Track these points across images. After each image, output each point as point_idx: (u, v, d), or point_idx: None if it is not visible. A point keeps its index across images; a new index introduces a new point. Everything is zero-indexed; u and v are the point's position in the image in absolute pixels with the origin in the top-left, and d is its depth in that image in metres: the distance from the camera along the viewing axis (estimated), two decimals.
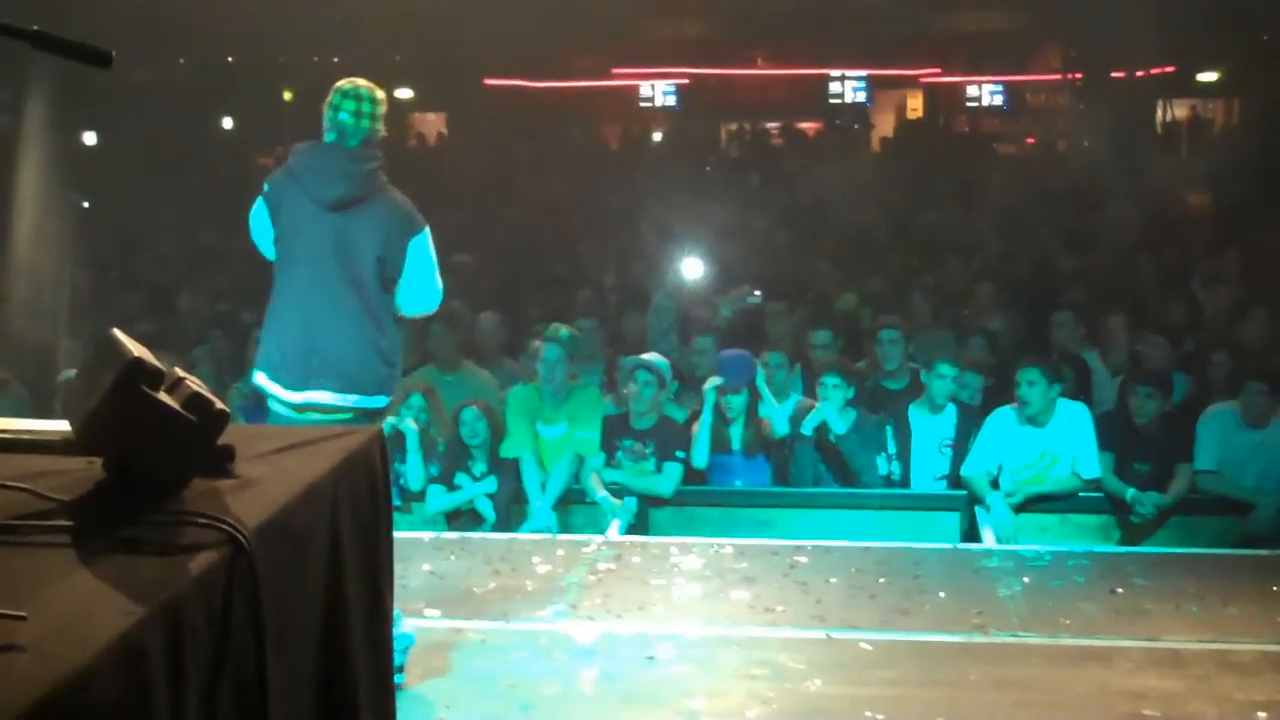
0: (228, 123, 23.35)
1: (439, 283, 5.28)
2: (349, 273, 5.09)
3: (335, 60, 21.84)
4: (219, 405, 2.13)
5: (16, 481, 2.07)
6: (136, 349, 2.10)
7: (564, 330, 7.89)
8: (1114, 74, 21.70)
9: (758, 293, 9.88)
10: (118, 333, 2.20)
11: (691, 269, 10.99)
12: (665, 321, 9.41)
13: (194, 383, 2.16)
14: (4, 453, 2.16)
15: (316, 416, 5.05)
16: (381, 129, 5.18)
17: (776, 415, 7.69)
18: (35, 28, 2.11)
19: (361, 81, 5.17)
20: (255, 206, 5.22)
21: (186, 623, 1.73)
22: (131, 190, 15.68)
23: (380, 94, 5.17)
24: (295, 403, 5.12)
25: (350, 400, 5.08)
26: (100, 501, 2.05)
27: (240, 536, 1.89)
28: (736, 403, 7.66)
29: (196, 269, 12.83)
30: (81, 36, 2.17)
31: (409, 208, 5.21)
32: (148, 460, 2.08)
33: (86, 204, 14.27)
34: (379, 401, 5.16)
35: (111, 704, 1.55)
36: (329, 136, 5.14)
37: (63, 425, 2.22)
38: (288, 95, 22.97)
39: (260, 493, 2.12)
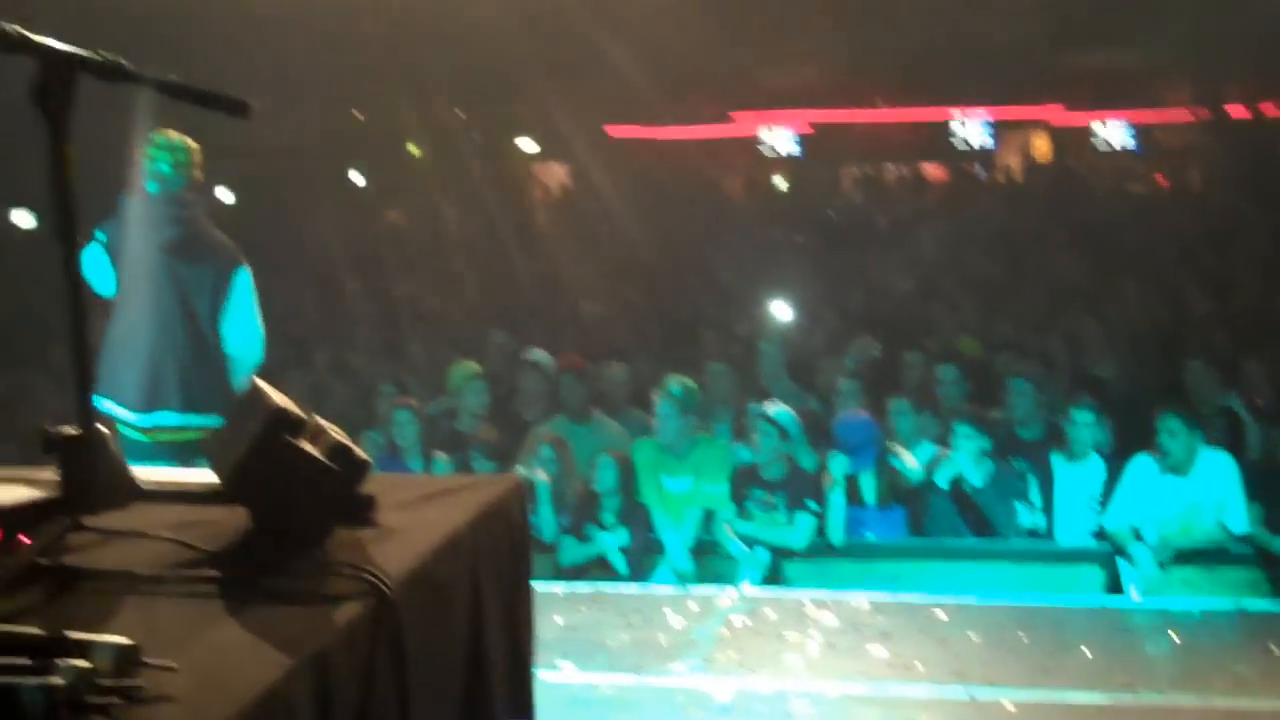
0: (357, 178, 23.74)
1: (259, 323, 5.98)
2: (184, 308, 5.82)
3: (460, 114, 22.18)
4: (361, 455, 2.12)
5: (166, 532, 2.07)
6: (280, 399, 2.10)
7: (675, 386, 7.84)
8: (1246, 110, 21.17)
9: (868, 338, 9.86)
10: (261, 382, 2.20)
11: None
12: (772, 366, 9.38)
13: (336, 432, 2.15)
14: (153, 503, 2.15)
15: (165, 438, 5.71)
16: (198, 175, 5.90)
17: (908, 467, 7.59)
18: (173, 78, 2.13)
19: (174, 134, 5.83)
20: (90, 252, 5.73)
21: (333, 674, 1.71)
22: (264, 246, 15.98)
23: (192, 144, 5.85)
24: (141, 424, 5.75)
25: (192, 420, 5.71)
26: (247, 552, 2.04)
27: (384, 587, 1.87)
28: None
29: (329, 322, 13.02)
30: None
31: (230, 246, 5.95)
32: (293, 510, 2.07)
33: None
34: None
35: None
36: (152, 187, 5.80)
37: (209, 476, 2.21)
38: (414, 150, 23.31)
39: (402, 543, 2.10)
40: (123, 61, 2.10)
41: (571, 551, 7.62)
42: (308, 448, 2.07)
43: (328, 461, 2.08)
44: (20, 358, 11.37)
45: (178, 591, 1.91)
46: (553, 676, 5.76)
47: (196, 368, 5.81)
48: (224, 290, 5.81)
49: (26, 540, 1.95)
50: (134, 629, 1.64)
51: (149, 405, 5.75)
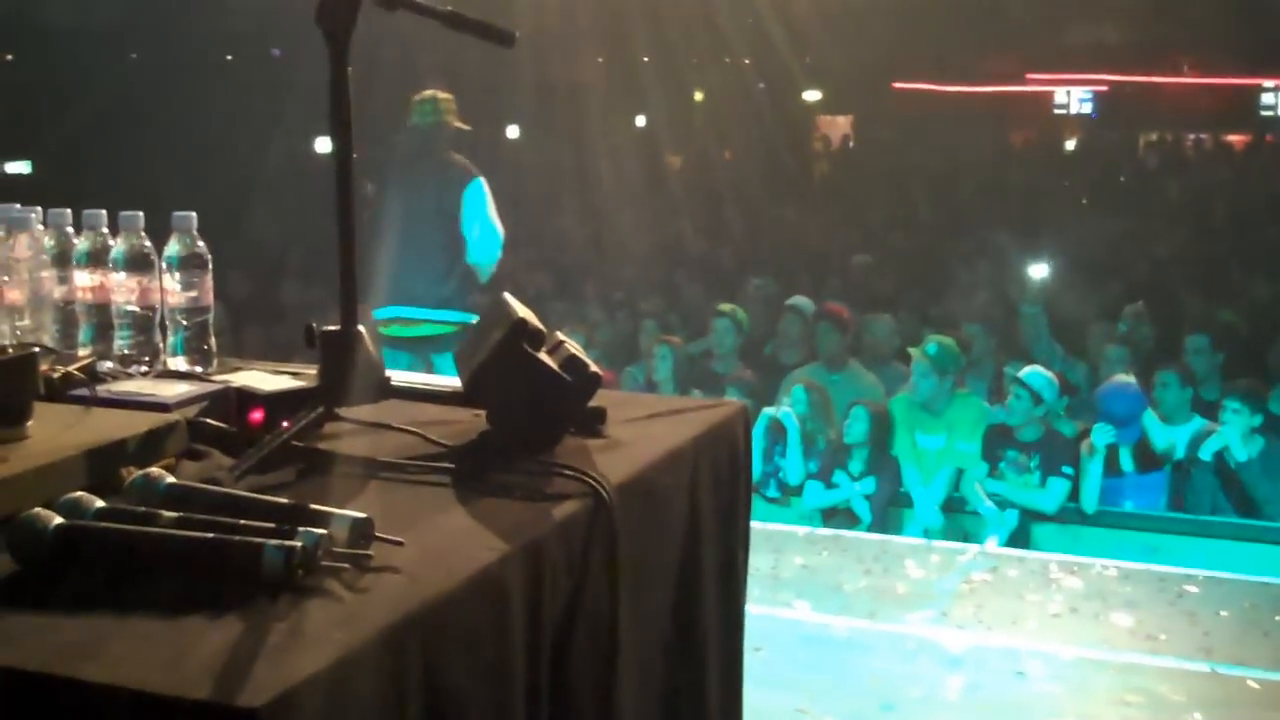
0: (640, 120, 24.07)
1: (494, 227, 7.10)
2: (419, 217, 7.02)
3: (746, 62, 22.23)
4: (593, 368, 2.24)
5: (410, 426, 2.24)
6: (522, 310, 2.23)
7: (931, 345, 7.78)
8: None
9: (1140, 304, 9.56)
10: (508, 295, 2.34)
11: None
12: (1035, 329, 9.20)
13: (573, 346, 2.28)
14: (403, 400, 2.33)
15: (397, 331, 6.94)
16: (449, 120, 7.20)
17: (1170, 441, 7.37)
18: (450, 9, 2.28)
19: (428, 91, 7.27)
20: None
21: (546, 563, 1.83)
22: (547, 182, 16.44)
23: (444, 96, 7.25)
24: (378, 317, 6.89)
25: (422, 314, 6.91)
26: (481, 449, 2.18)
27: (602, 490, 1.98)
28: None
29: (601, 257, 13.34)
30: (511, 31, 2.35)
31: (467, 166, 7.14)
32: (526, 415, 2.20)
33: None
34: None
35: (471, 628, 1.66)
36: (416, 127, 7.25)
37: (456, 381, 2.38)
38: (699, 95, 23.49)
39: (625, 453, 2.22)
40: None
41: (817, 496, 7.68)
42: (544, 358, 2.20)
43: (561, 372, 2.21)
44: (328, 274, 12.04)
45: (414, 479, 2.07)
46: (786, 613, 5.88)
47: (427, 268, 6.86)
48: (457, 200, 6.91)
49: (285, 424, 2.14)
50: (371, 507, 1.80)
51: (386, 301, 6.82)
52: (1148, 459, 7.47)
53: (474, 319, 6.48)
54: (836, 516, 7.66)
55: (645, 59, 23.00)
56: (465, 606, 1.66)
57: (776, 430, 7.78)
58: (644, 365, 8.99)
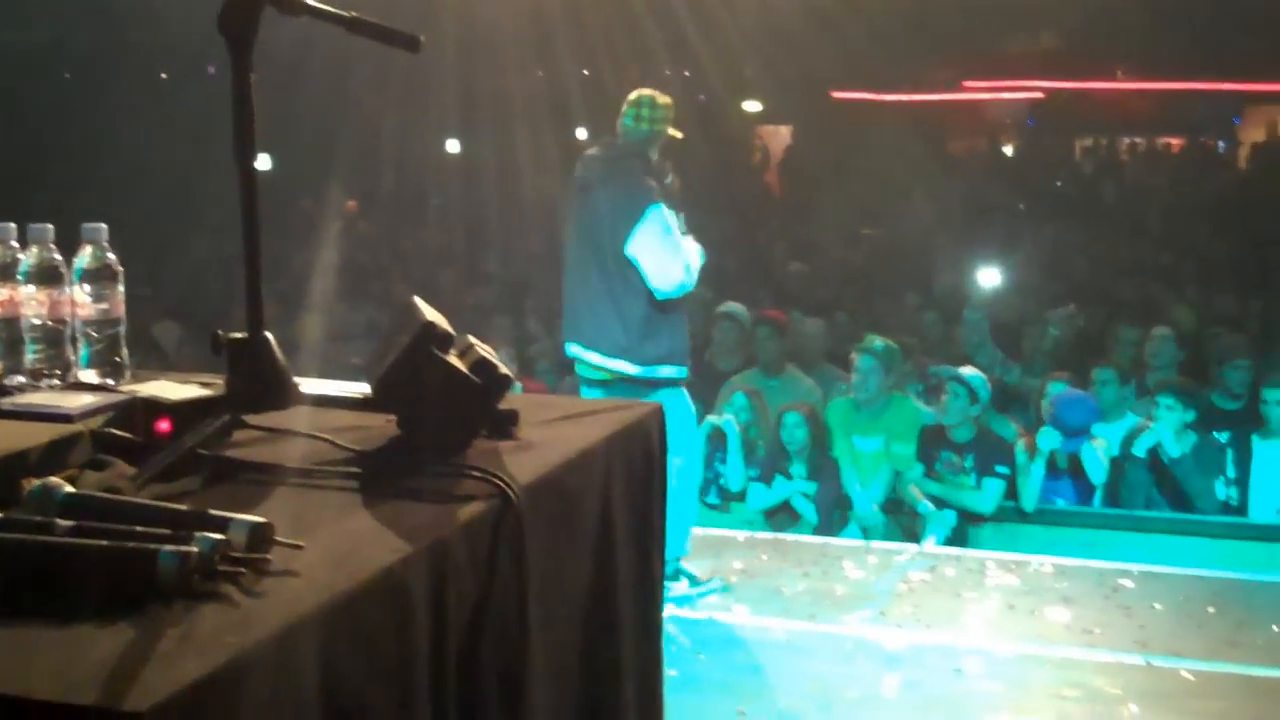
0: (581, 133, 24.07)
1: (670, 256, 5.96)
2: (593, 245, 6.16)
3: (686, 73, 22.28)
4: (503, 370, 2.24)
5: (319, 432, 2.23)
6: (430, 313, 2.23)
7: (878, 342, 7.83)
8: None
9: (1071, 306, 9.67)
10: (417, 299, 2.33)
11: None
12: (977, 335, 9.29)
13: (483, 349, 2.28)
14: (313, 407, 2.32)
15: (581, 370, 6.24)
16: (660, 128, 6.16)
17: (1104, 437, 7.44)
18: (352, 14, 2.27)
19: (646, 91, 6.22)
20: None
21: (450, 564, 1.83)
22: (485, 193, 16.42)
23: (661, 99, 6.20)
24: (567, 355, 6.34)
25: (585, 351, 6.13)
26: (390, 454, 2.18)
27: (509, 490, 1.99)
28: None
29: (541, 269, 13.32)
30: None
31: (649, 187, 6.02)
32: (435, 418, 2.20)
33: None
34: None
35: (371, 629, 1.66)
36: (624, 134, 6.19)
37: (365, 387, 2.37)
38: None
39: (536, 454, 2.22)
40: None
41: (760, 497, 7.71)
42: (452, 360, 2.20)
43: (470, 374, 2.21)
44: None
45: (321, 485, 2.06)
46: (726, 617, 5.90)
47: (594, 303, 6.02)
48: (628, 226, 5.89)
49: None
50: (274, 513, 1.79)
51: (567, 336, 6.25)
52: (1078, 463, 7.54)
53: (666, 371, 5.99)
54: (779, 515, 7.68)
55: (585, 71, 23.04)
56: (365, 608, 1.66)
57: (717, 437, 7.80)
58: None
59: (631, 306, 5.93)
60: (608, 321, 5.95)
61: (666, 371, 5.99)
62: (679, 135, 6.23)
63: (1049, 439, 7.41)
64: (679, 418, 5.92)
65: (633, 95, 6.16)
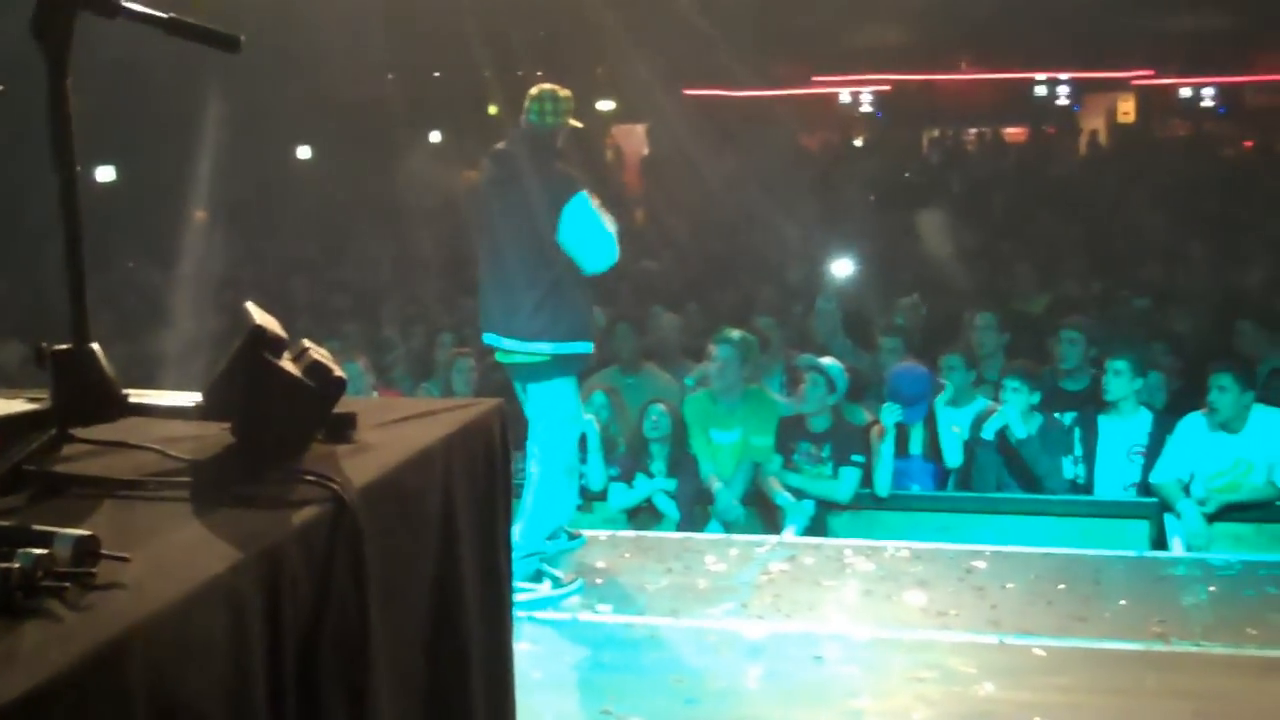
0: (434, 136, 23.93)
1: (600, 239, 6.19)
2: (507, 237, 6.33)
3: (539, 74, 22.26)
4: (337, 373, 2.21)
5: (150, 443, 2.18)
6: (262, 318, 2.20)
7: (735, 332, 7.90)
8: None
9: (915, 295, 9.88)
10: (250, 305, 2.29)
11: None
12: (829, 325, 9.43)
13: (318, 352, 2.25)
14: (143, 417, 2.27)
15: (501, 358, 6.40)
16: (565, 120, 6.29)
17: (952, 443, 7.60)
18: (170, 15, 2.23)
19: (548, 86, 6.30)
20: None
21: (285, 570, 1.81)
22: (341, 202, 16.24)
23: (562, 93, 6.29)
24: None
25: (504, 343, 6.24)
26: (223, 462, 2.14)
27: (344, 493, 1.96)
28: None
29: (398, 275, 13.22)
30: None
31: (569, 176, 6.22)
32: (269, 424, 2.17)
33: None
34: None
35: (204, 639, 1.63)
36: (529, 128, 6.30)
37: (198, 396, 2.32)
38: (492, 109, 23.43)
39: (374, 456, 2.20)
40: None
41: (621, 497, 7.72)
42: (284, 365, 2.17)
43: (304, 378, 2.18)
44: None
45: (152, 496, 2.02)
46: (589, 617, 5.91)
47: (509, 292, 6.19)
48: (555, 215, 6.06)
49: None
50: (102, 526, 1.75)
51: (484, 326, 6.38)
52: (935, 447, 7.68)
53: (579, 347, 6.18)
54: (640, 515, 7.71)
55: (436, 74, 22.88)
56: (195, 618, 1.63)
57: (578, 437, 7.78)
58: (440, 380, 8.92)
59: (546, 292, 6.11)
60: (523, 308, 6.13)
61: (578, 347, 6.18)
62: (580, 126, 6.47)
63: (890, 414, 7.55)
64: (573, 403, 6.30)
65: (534, 91, 6.29)
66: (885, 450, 7.52)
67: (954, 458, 7.65)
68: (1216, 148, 21.87)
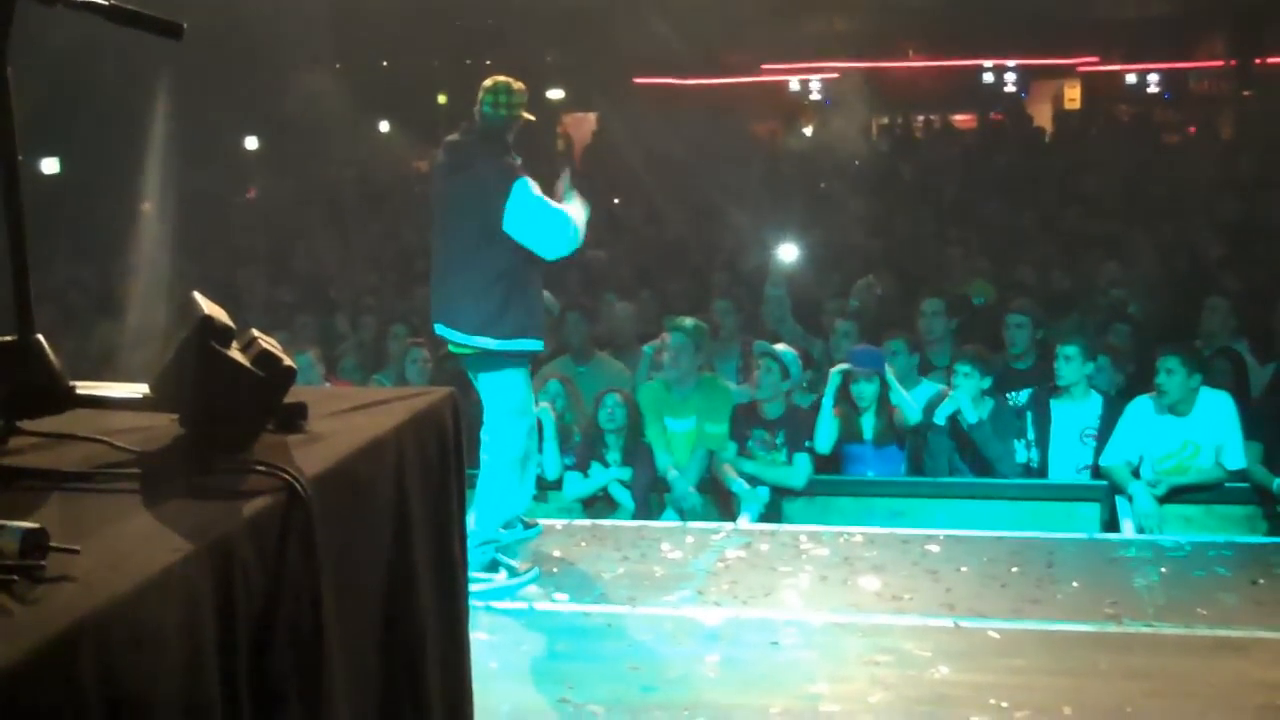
0: (384, 126, 23.81)
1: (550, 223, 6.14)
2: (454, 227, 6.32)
3: (488, 63, 22.20)
4: (286, 362, 2.19)
5: (99, 435, 2.16)
6: (209, 308, 2.17)
7: (689, 321, 7.89)
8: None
9: (870, 277, 9.93)
10: (197, 295, 2.27)
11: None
12: (779, 310, 9.45)
13: (266, 341, 2.23)
14: (91, 409, 2.24)
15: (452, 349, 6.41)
16: (517, 113, 6.24)
17: (907, 404, 7.58)
18: (110, 2, 2.19)
19: (501, 78, 6.25)
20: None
21: (237, 560, 1.79)
22: (290, 190, 16.11)
23: (516, 85, 6.24)
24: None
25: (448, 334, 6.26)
26: (172, 453, 2.12)
27: (296, 483, 1.95)
28: (868, 392, 7.57)
29: (348, 265, 13.14)
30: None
31: (510, 165, 6.15)
32: (218, 414, 2.15)
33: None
34: None
35: (154, 630, 1.61)
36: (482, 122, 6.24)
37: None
38: (442, 98, 23.35)
39: (325, 446, 2.18)
40: None
41: (576, 486, 7.70)
42: (233, 354, 2.14)
43: (253, 368, 2.15)
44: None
45: (101, 488, 2.00)
46: (546, 606, 5.91)
47: (458, 283, 6.16)
48: (500, 205, 6.00)
49: None
50: (51, 519, 1.74)
51: (435, 317, 6.33)
52: (893, 427, 7.69)
53: (525, 344, 6.16)
54: (596, 505, 7.70)
55: (384, 63, 22.77)
56: (146, 609, 1.61)
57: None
58: (393, 371, 8.88)
59: (492, 284, 6.07)
60: (470, 299, 6.10)
61: (524, 344, 6.15)
62: (532, 118, 6.38)
63: (836, 376, 7.58)
64: (522, 394, 6.27)
65: (488, 82, 6.24)
66: (826, 404, 7.54)
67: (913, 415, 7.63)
68: (1162, 133, 22.06)
